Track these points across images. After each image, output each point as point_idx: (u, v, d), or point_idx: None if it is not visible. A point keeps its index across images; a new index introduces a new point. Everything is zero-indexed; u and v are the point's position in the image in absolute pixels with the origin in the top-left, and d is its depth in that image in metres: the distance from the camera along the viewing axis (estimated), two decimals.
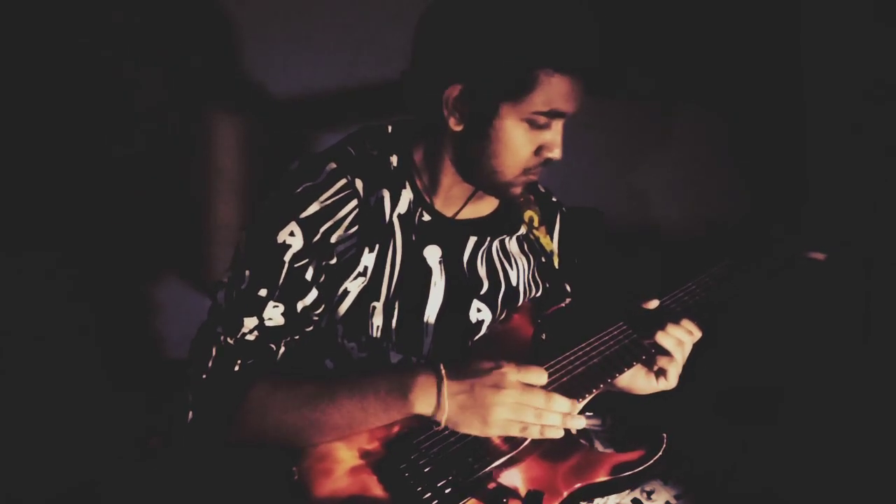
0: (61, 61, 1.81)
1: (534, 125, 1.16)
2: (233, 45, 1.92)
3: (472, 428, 1.07)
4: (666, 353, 1.22)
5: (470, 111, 1.17)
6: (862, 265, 1.71)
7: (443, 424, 1.07)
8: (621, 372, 1.20)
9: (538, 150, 1.19)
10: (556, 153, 1.19)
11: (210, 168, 2.00)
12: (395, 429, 1.12)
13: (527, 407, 1.06)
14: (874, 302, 1.74)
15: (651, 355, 1.23)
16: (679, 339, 1.21)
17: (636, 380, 1.26)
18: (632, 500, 1.28)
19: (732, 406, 1.89)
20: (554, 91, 1.13)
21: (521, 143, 1.17)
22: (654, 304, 1.29)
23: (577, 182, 2.08)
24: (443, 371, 1.08)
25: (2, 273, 1.81)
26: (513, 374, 1.07)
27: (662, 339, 1.21)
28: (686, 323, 1.22)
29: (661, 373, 1.24)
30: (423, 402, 1.08)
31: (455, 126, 1.18)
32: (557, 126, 1.18)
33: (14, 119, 1.80)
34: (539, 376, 1.09)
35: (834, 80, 1.94)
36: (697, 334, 1.23)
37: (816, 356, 1.88)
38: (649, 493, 1.29)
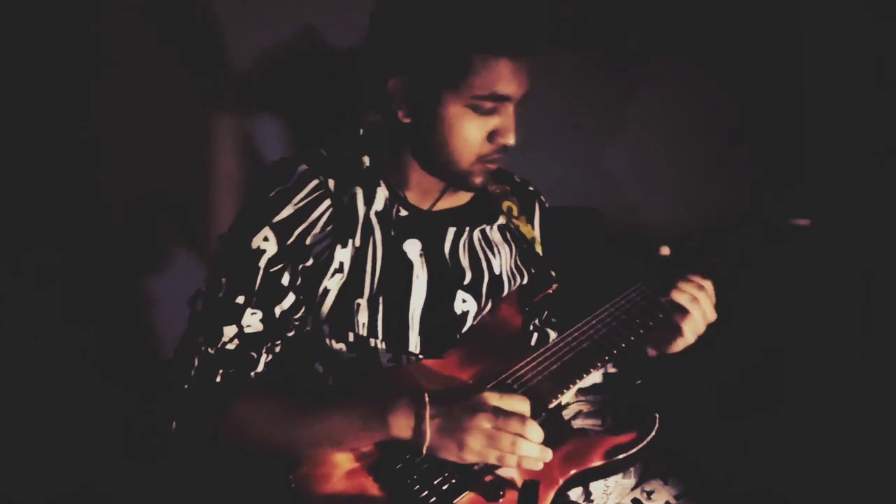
0: (59, 60, 1.82)
1: (479, 111, 1.15)
2: (233, 43, 1.93)
3: (449, 452, 1.04)
4: (682, 310, 1.20)
5: (414, 102, 1.16)
6: (862, 265, 1.71)
7: (424, 451, 1.05)
8: (636, 335, 1.19)
9: (491, 137, 1.17)
10: (509, 139, 1.17)
11: (209, 167, 2.00)
12: None
13: (503, 434, 1.02)
14: (874, 302, 1.74)
15: (667, 312, 1.21)
16: (693, 295, 1.20)
17: (655, 339, 1.24)
18: (632, 501, 1.28)
19: (733, 406, 1.89)
20: (492, 75, 1.11)
21: (469, 130, 1.16)
22: (665, 251, 1.28)
23: (576, 180, 2.08)
24: (426, 398, 1.06)
25: (0, 272, 1.81)
26: (493, 399, 1.05)
27: (677, 296, 1.20)
28: (695, 278, 1.21)
29: (678, 329, 1.21)
30: (401, 425, 1.06)
31: (404, 118, 1.18)
32: (507, 110, 1.16)
33: (13, 118, 1.80)
34: (522, 404, 1.06)
35: (834, 77, 1.94)
36: (709, 288, 1.21)
37: (817, 356, 1.88)
38: (649, 493, 1.29)
